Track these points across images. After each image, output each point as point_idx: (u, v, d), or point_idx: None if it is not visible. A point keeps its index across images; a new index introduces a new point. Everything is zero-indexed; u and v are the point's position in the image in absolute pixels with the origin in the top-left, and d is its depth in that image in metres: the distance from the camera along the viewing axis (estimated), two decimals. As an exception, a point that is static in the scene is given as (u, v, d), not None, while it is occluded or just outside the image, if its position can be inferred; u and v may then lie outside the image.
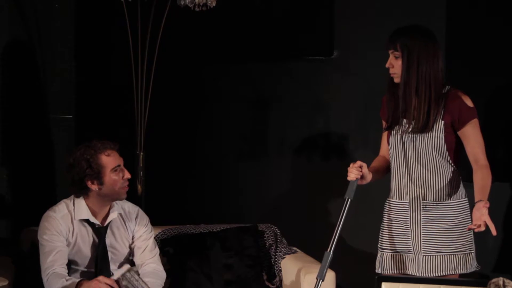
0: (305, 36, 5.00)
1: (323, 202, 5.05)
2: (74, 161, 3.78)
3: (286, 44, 5.01)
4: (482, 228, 3.43)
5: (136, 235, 3.95)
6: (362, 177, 3.61)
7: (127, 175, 3.82)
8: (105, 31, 4.84)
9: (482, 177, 3.59)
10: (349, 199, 3.52)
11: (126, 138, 4.17)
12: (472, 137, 3.63)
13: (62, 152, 4.70)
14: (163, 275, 3.94)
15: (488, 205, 3.45)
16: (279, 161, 5.11)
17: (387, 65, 3.65)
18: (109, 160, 3.79)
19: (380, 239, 3.78)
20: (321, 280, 3.41)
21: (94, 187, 3.79)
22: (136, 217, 3.97)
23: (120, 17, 4.44)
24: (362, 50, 5.02)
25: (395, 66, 3.63)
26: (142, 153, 4.54)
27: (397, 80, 3.66)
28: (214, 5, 4.36)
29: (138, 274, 3.84)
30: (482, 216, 3.43)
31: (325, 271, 3.41)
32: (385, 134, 3.81)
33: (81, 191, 3.81)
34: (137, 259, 3.94)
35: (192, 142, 5.05)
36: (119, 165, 3.81)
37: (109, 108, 4.89)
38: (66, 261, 3.79)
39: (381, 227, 3.79)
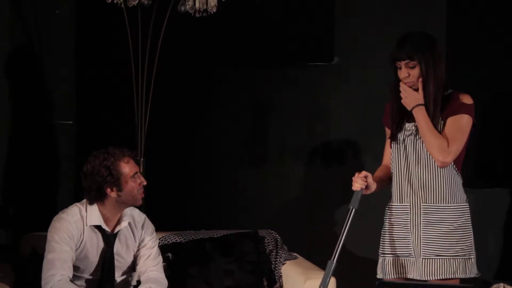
0: (305, 42, 5.00)
1: (324, 208, 5.05)
2: (93, 169, 3.75)
3: (286, 50, 5.01)
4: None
5: (141, 244, 3.95)
6: (367, 187, 3.63)
7: (144, 181, 3.83)
8: (105, 37, 4.85)
9: (439, 135, 3.58)
10: (354, 209, 3.53)
11: (127, 144, 4.16)
12: (450, 127, 3.61)
13: (62, 158, 4.70)
14: (165, 283, 3.93)
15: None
16: (279, 167, 5.11)
17: (403, 76, 3.64)
18: (128, 167, 3.78)
19: (381, 244, 3.79)
20: None
21: (113, 194, 3.77)
22: (143, 226, 3.96)
23: (120, 23, 4.45)
24: (362, 56, 5.03)
25: (411, 75, 3.64)
26: (142, 159, 4.54)
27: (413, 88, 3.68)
28: (214, 11, 4.36)
29: None
30: (406, 93, 3.63)
31: (328, 280, 3.42)
32: (388, 142, 3.81)
33: (98, 198, 3.79)
34: (140, 267, 3.94)
35: (192, 147, 5.05)
36: (136, 172, 3.81)
37: (109, 114, 4.89)
38: (71, 270, 3.78)
39: (382, 233, 3.79)
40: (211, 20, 4.45)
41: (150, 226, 4.00)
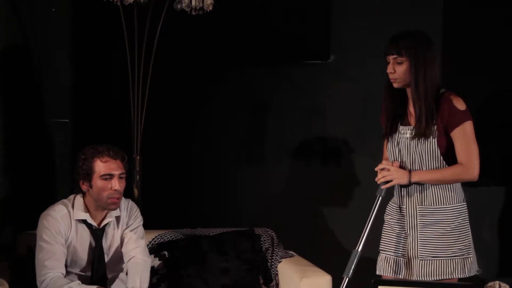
0: (302, 40, 5.00)
1: (320, 206, 5.05)
2: (77, 159, 3.83)
3: (283, 49, 5.01)
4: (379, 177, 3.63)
5: (127, 227, 3.94)
6: None
7: (115, 186, 3.77)
8: (101, 35, 4.84)
9: (450, 168, 3.60)
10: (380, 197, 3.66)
11: (123, 142, 4.16)
12: (459, 141, 3.61)
13: (58, 156, 4.70)
14: (149, 260, 3.92)
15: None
16: (276, 166, 5.11)
17: (388, 71, 3.64)
18: (102, 166, 3.77)
19: (381, 241, 3.80)
20: (347, 278, 3.53)
21: (84, 187, 3.81)
22: (127, 208, 3.96)
23: (116, 21, 4.44)
24: (359, 54, 5.03)
25: (397, 71, 3.63)
26: (138, 157, 4.54)
27: (397, 85, 3.66)
28: (210, 9, 4.36)
29: None
30: (390, 172, 3.61)
31: (352, 269, 3.54)
32: (385, 142, 3.81)
33: (79, 189, 3.84)
34: (124, 249, 3.91)
35: (188, 146, 5.05)
36: (110, 174, 3.77)
37: (105, 112, 4.89)
38: (64, 266, 3.78)
39: (382, 230, 3.80)
40: (208, 18, 4.45)
41: (134, 207, 3.99)
